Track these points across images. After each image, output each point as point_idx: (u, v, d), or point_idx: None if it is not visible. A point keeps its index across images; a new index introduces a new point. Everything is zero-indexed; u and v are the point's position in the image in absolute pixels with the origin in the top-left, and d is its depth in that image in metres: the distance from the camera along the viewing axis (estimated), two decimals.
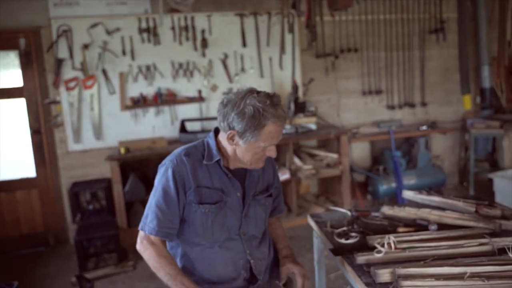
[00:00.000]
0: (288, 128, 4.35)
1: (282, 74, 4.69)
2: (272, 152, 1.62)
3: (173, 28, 4.35)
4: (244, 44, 4.56)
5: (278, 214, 1.93)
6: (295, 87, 4.52)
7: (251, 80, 4.57)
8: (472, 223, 1.85)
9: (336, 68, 4.90)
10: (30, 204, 4.31)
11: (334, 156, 4.47)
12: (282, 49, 4.63)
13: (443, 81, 5.36)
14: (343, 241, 1.82)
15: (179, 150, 1.69)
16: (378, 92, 5.10)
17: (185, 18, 4.37)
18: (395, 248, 1.62)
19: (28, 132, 4.25)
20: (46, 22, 4.09)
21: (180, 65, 4.41)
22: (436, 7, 5.13)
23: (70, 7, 4.12)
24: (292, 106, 4.46)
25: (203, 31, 4.43)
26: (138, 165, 4.30)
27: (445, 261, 1.49)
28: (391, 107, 5.18)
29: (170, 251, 1.77)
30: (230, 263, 1.68)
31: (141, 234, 1.65)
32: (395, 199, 4.79)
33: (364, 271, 1.54)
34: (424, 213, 1.98)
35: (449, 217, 1.91)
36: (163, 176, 1.64)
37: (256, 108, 1.50)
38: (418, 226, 1.91)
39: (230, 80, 4.52)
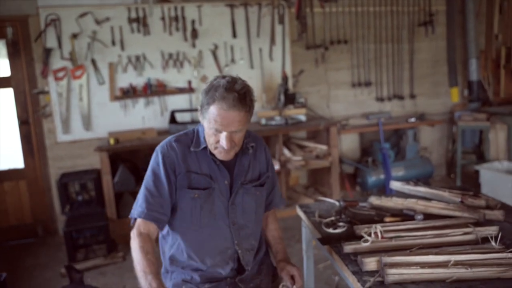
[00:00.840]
0: (278, 119, 4.37)
1: (272, 65, 4.70)
2: (223, 141, 1.57)
3: (163, 18, 4.32)
4: (234, 35, 4.55)
5: (274, 208, 1.91)
6: (285, 79, 4.53)
7: (241, 71, 4.56)
8: (457, 213, 1.89)
9: (326, 59, 4.92)
10: (18, 195, 4.28)
11: (324, 147, 4.49)
12: (272, 40, 4.63)
13: (432, 73, 5.41)
14: (331, 230, 1.85)
15: (170, 137, 1.71)
16: (368, 84, 5.13)
17: (175, 8, 4.35)
18: (382, 237, 1.65)
19: (16, 123, 4.21)
20: (34, 10, 4.03)
21: (170, 55, 4.39)
22: (425, 0, 5.16)
23: None
24: (282, 98, 4.48)
25: (193, 22, 4.41)
26: (127, 156, 4.29)
27: (430, 250, 1.52)
28: (380, 99, 5.21)
29: (161, 240, 1.78)
30: (218, 252, 1.69)
31: (133, 224, 1.64)
32: (383, 190, 4.84)
33: (351, 259, 1.57)
34: (411, 203, 2.01)
35: (435, 207, 1.95)
36: (153, 161, 1.67)
37: (212, 85, 1.56)
38: (404, 216, 1.94)
39: (220, 71, 4.52)
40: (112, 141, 3.90)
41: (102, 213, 3.96)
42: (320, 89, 5.01)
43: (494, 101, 5.33)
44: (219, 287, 1.69)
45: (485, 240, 1.63)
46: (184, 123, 4.30)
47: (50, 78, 4.13)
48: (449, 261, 1.42)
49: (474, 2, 5.08)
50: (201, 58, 4.48)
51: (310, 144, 4.64)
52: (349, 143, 5.21)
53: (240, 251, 1.72)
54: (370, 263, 1.47)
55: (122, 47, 4.25)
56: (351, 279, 1.49)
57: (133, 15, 4.24)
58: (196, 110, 4.42)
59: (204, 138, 1.66)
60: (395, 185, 2.37)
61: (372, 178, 4.81)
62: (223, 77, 1.58)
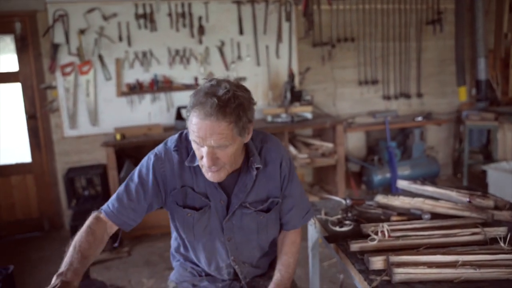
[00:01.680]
0: (284, 116, 4.35)
1: (278, 62, 4.69)
2: (204, 158, 1.33)
3: (170, 15, 4.32)
4: (241, 31, 4.54)
5: (291, 229, 1.64)
6: (291, 76, 4.51)
7: (248, 68, 4.56)
8: (465, 213, 1.87)
9: (333, 57, 4.90)
10: (25, 189, 4.31)
11: (329, 145, 4.48)
12: (279, 38, 4.61)
13: (439, 72, 5.37)
14: (337, 229, 1.84)
15: (171, 140, 1.52)
16: (374, 82, 5.10)
17: (182, 5, 4.34)
18: (389, 236, 1.64)
19: (23, 117, 4.23)
20: (42, 6, 4.04)
21: (177, 51, 4.39)
22: None
23: None
24: (288, 95, 4.46)
25: (200, 18, 4.40)
26: (133, 151, 4.30)
27: (438, 250, 1.51)
28: (387, 98, 5.19)
29: (171, 224, 1.64)
30: (212, 264, 1.61)
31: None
32: (389, 189, 4.82)
33: (357, 258, 1.56)
34: (418, 202, 1.99)
35: (443, 207, 1.93)
36: (145, 165, 1.49)
37: (197, 89, 1.33)
38: (411, 215, 1.93)
39: (227, 67, 4.51)
40: (118, 137, 3.91)
41: None
42: (327, 86, 5.00)
43: (502, 100, 5.28)
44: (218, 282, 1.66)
45: (494, 241, 1.61)
46: None
47: (58, 73, 4.14)
48: (457, 261, 1.41)
49: (483, 0, 5.03)
50: (208, 54, 4.48)
51: (316, 142, 4.63)
52: (355, 141, 5.19)
53: (237, 266, 1.60)
54: (377, 262, 1.46)
55: (129, 43, 4.25)
56: (358, 278, 1.48)
57: (140, 11, 4.24)
58: None
59: None
60: (402, 184, 2.35)
61: (378, 177, 4.79)
62: (211, 79, 1.35)
